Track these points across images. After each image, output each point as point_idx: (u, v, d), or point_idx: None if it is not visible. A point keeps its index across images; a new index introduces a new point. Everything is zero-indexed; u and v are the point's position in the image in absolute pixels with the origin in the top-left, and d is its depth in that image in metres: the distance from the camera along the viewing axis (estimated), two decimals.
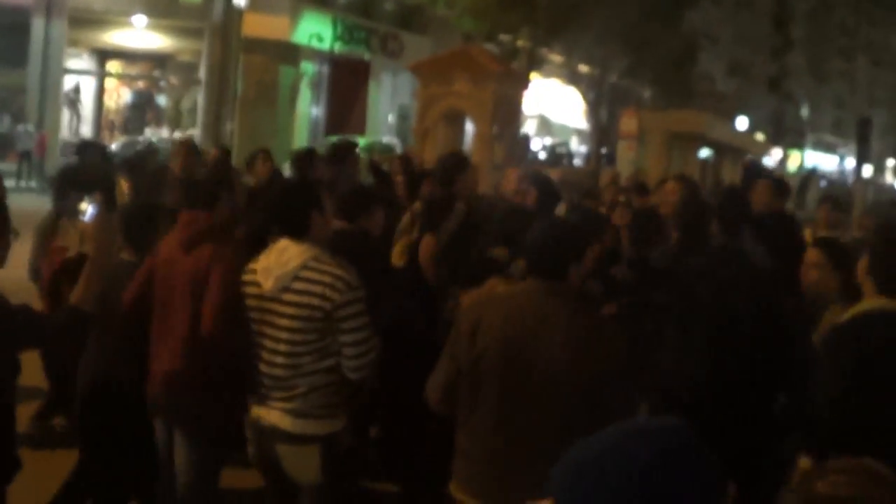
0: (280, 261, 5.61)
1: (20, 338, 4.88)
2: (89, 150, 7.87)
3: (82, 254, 6.42)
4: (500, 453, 4.82)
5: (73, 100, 36.54)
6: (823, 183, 57.33)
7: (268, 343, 5.65)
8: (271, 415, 5.68)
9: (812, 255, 6.80)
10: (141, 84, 37.77)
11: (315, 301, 5.46)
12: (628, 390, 4.87)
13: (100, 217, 5.00)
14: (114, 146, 27.17)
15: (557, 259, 4.93)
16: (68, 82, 34.95)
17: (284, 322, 5.52)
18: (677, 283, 7.31)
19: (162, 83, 37.79)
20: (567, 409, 4.68)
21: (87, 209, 5.17)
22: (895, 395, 5.11)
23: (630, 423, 2.09)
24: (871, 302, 5.32)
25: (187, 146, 12.07)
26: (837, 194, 19.90)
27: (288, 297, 5.53)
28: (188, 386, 6.14)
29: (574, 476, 2.07)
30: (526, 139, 37.82)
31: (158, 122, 36.62)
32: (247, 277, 5.77)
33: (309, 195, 5.84)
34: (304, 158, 11.01)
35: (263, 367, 5.70)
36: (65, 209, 8.33)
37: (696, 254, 7.68)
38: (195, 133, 33.96)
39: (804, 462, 5.25)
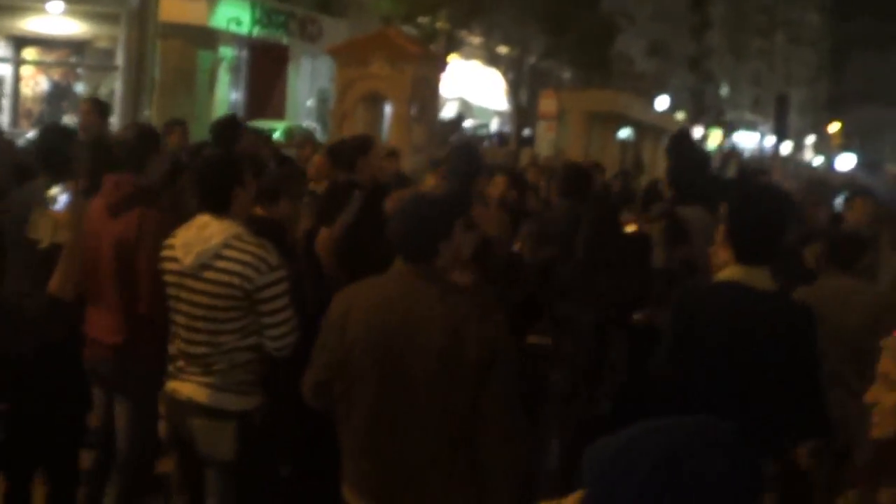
0: (201, 236, 5.56)
1: None
2: (53, 133, 7.68)
3: (55, 245, 6.31)
4: (382, 449, 4.67)
5: None
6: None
7: (183, 320, 5.65)
8: (186, 387, 5.69)
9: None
10: (57, 73, 37.27)
11: (235, 280, 5.46)
12: (511, 374, 4.67)
13: (75, 204, 4.92)
14: (30, 135, 26.83)
15: (423, 239, 4.75)
16: None
17: (204, 300, 5.53)
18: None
19: (79, 70, 37.33)
20: (447, 399, 4.53)
21: (60, 197, 5.04)
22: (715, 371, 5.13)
23: (665, 418, 2.10)
24: (731, 271, 5.24)
25: (91, 104, 11.71)
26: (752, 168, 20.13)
27: (208, 274, 5.52)
28: (132, 358, 6.20)
29: (605, 465, 2.07)
30: (459, 120, 37.74)
31: (76, 110, 36.24)
32: (165, 252, 5.75)
33: (232, 170, 5.81)
34: (228, 128, 10.48)
35: (180, 343, 5.69)
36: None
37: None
38: (113, 120, 33.65)
39: None
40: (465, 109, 41.28)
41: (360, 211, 8.13)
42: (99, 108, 11.24)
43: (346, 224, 8.02)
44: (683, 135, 11.89)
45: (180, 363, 5.73)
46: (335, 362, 4.79)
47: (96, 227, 6.20)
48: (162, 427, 5.91)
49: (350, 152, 8.72)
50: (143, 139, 6.70)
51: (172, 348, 5.76)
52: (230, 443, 5.62)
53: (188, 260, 5.56)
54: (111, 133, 11.06)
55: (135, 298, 6.14)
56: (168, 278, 5.71)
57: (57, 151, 6.86)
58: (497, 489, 4.59)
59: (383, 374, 4.62)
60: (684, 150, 9.40)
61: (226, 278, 5.48)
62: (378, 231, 7.46)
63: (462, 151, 9.25)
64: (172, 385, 5.76)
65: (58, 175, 6.97)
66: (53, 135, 7.52)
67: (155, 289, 5.98)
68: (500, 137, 41.33)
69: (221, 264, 5.49)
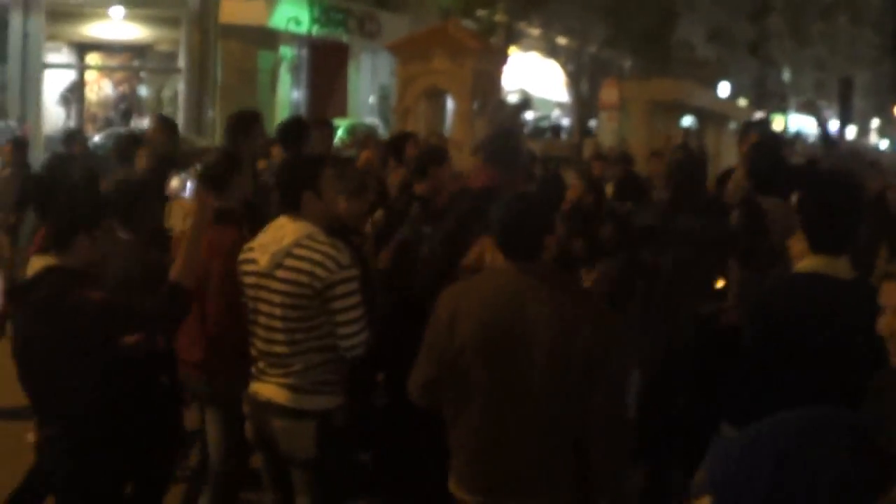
0: (276, 237, 5.66)
1: (115, 327, 4.95)
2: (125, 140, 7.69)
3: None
4: (493, 445, 4.69)
5: (67, 98, 36.46)
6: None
7: (264, 320, 5.72)
8: (267, 389, 5.76)
9: None
10: (120, 77, 37.60)
11: (304, 279, 5.52)
12: (622, 366, 4.73)
13: (198, 193, 4.99)
14: (97, 138, 27.09)
15: (528, 236, 4.74)
16: (54, 78, 34.83)
17: (279, 299, 5.59)
18: (663, 240, 7.29)
19: (142, 74, 37.67)
20: (558, 393, 4.54)
21: (186, 186, 5.18)
22: (800, 364, 5.02)
23: (783, 414, 2.10)
24: (809, 262, 5.16)
25: (159, 121, 11.53)
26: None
27: (281, 273, 5.59)
28: (213, 372, 6.41)
29: (730, 466, 2.07)
30: (523, 105, 37.43)
31: (140, 113, 36.54)
32: (244, 255, 5.85)
33: (301, 172, 5.85)
34: (294, 130, 9.89)
35: (260, 344, 5.76)
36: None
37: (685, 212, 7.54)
38: (177, 122, 33.93)
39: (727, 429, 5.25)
40: (526, 101, 41.13)
41: (418, 225, 7.94)
42: (167, 125, 11.13)
43: (399, 243, 7.84)
44: (762, 123, 11.75)
45: (261, 365, 5.80)
46: (445, 361, 4.79)
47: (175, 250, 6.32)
48: (248, 428, 5.97)
49: (425, 160, 8.52)
50: (226, 161, 6.78)
51: (254, 350, 5.82)
52: (310, 442, 5.67)
53: (264, 261, 5.64)
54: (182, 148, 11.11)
55: (209, 317, 6.28)
56: (247, 280, 5.78)
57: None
58: (603, 488, 4.67)
59: (494, 372, 4.62)
60: (764, 139, 9.24)
61: (296, 276, 5.53)
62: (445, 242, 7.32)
63: (500, 138, 9.02)
64: (254, 387, 5.84)
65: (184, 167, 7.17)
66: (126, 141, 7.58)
67: (225, 307, 6.13)
68: (555, 130, 41.22)
69: (293, 263, 5.55)
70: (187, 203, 5.23)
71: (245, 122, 8.93)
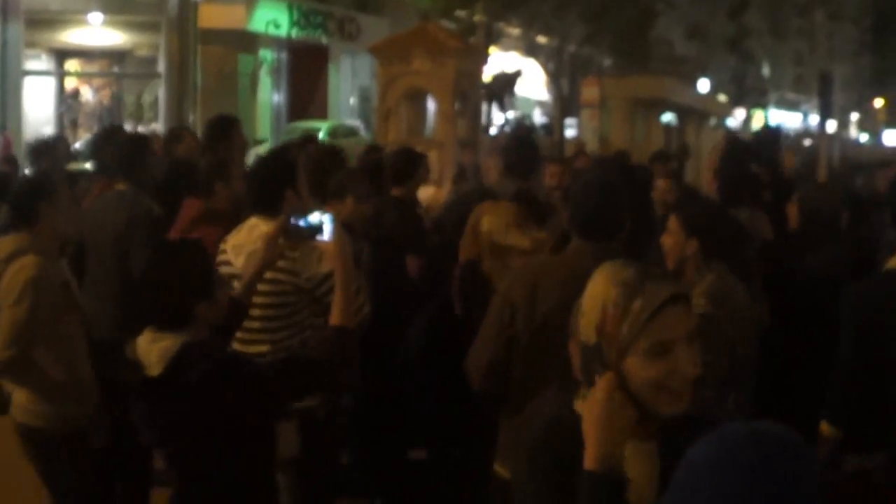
0: (250, 238, 5.62)
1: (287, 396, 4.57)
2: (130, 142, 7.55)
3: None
4: None
5: (70, 104, 36.47)
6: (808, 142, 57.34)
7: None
8: None
9: None
10: (99, 83, 37.54)
11: (283, 277, 5.50)
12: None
13: (339, 232, 4.53)
14: (78, 144, 27.05)
15: (610, 218, 4.79)
16: (30, 84, 34.72)
17: (258, 300, 5.50)
18: None
19: (122, 80, 37.63)
20: None
21: (322, 223, 4.70)
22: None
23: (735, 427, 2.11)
24: None
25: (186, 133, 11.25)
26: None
27: None
28: None
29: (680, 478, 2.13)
30: (515, 76, 36.96)
31: (120, 119, 36.48)
32: (220, 257, 5.79)
33: (284, 171, 5.83)
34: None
35: (238, 344, 5.69)
36: None
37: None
38: (158, 126, 33.88)
39: (825, 428, 5.26)
40: (519, 72, 40.89)
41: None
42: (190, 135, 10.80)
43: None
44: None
45: None
46: (518, 342, 4.75)
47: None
48: None
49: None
50: (214, 166, 6.87)
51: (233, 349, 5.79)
52: (293, 440, 5.61)
53: (239, 262, 5.61)
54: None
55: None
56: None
57: (136, 160, 7.02)
58: None
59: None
60: (730, 152, 9.12)
61: (275, 276, 5.48)
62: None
63: (519, 145, 8.99)
64: None
65: (138, 184, 7.07)
66: (131, 144, 7.53)
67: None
68: (545, 128, 41.26)
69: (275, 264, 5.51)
70: (323, 245, 4.83)
71: (223, 127, 8.92)
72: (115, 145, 7.28)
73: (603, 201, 4.76)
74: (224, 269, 5.68)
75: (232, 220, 6.44)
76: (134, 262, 6.61)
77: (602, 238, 4.72)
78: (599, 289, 2.88)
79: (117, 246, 6.86)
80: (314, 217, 4.51)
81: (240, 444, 4.19)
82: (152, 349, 4.08)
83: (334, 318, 4.42)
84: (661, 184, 9.54)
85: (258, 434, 4.32)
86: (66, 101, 36.01)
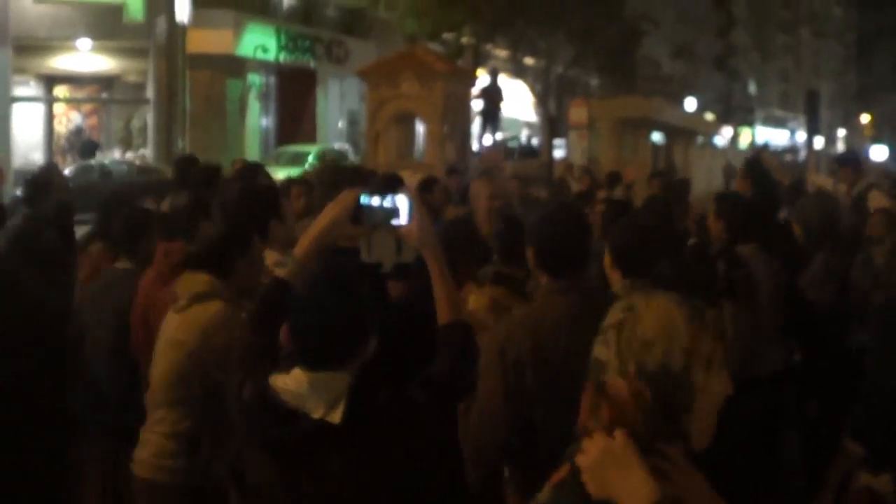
0: None
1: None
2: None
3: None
4: None
5: (81, 128, 36.56)
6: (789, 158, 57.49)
7: None
8: None
9: None
10: (88, 108, 37.58)
11: None
12: None
13: (421, 211, 4.00)
14: (67, 171, 27.03)
15: (650, 254, 4.70)
16: (19, 110, 34.74)
17: None
18: None
19: (110, 106, 37.67)
20: None
21: (401, 208, 4.06)
22: None
23: None
24: None
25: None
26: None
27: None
28: None
29: None
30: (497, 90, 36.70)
31: (109, 144, 36.51)
32: None
33: (266, 202, 5.80)
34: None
35: None
36: None
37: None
38: (147, 152, 33.92)
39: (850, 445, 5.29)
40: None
41: None
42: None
43: None
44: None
45: None
46: (524, 402, 4.40)
47: (148, 298, 6.22)
48: None
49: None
50: (194, 207, 6.64)
51: None
52: None
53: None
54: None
55: None
56: None
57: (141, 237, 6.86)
58: None
59: None
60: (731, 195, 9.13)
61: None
62: None
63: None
64: None
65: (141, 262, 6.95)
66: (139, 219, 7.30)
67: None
68: (522, 150, 41.37)
69: None
70: (401, 229, 4.11)
71: (208, 175, 9.04)
72: (123, 220, 7.02)
73: (643, 239, 4.68)
74: None
75: None
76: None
77: (641, 274, 4.59)
78: (664, 321, 2.69)
79: (119, 326, 6.66)
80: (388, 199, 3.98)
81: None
82: (315, 391, 3.60)
83: (442, 314, 4.00)
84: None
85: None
86: (69, 139, 36.01)
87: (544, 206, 6.58)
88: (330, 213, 4.12)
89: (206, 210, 6.56)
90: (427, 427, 3.77)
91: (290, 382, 3.61)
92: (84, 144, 31.47)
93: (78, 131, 36.44)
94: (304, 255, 4.13)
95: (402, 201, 3.95)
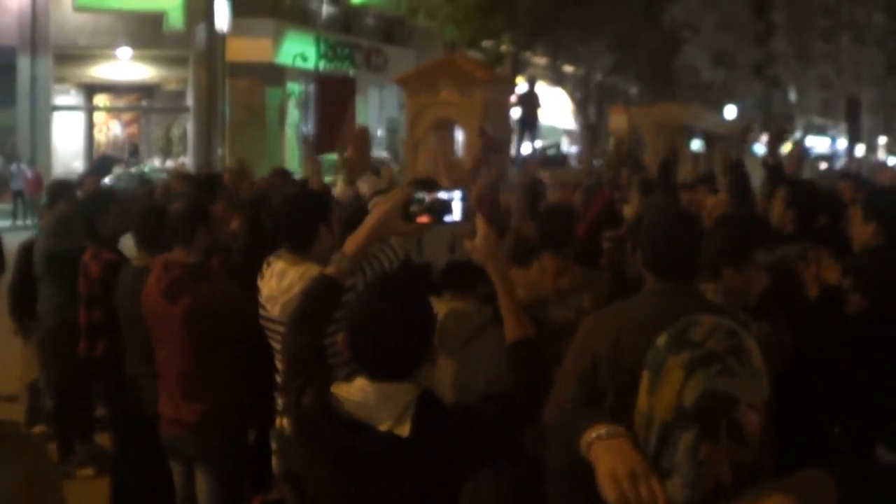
0: (281, 287, 5.45)
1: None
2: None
3: None
4: None
5: (135, 145, 36.90)
6: (824, 165, 57.09)
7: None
8: None
9: None
10: (128, 116, 37.76)
11: (392, 261, 5.38)
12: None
13: (482, 223, 3.86)
14: (107, 180, 27.15)
15: (685, 256, 4.54)
16: (59, 119, 34.98)
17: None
18: None
19: (150, 114, 37.85)
20: None
21: (451, 201, 3.92)
22: None
23: None
24: None
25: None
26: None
27: None
28: (210, 431, 6.16)
29: None
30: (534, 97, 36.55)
31: (149, 153, 36.71)
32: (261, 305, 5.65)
33: (317, 208, 5.67)
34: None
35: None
36: None
37: None
38: (186, 160, 34.03)
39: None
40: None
41: None
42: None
43: None
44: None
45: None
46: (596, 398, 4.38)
47: (154, 309, 6.23)
48: (275, 463, 5.89)
49: None
50: (193, 210, 6.51)
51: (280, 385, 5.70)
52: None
53: (275, 312, 5.44)
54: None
55: (205, 375, 6.16)
56: (265, 323, 5.65)
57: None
58: None
59: None
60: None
61: (383, 259, 5.34)
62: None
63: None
64: (282, 421, 5.71)
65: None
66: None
67: (229, 355, 6.14)
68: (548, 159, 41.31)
69: None
70: (458, 228, 3.87)
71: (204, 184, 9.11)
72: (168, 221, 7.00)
73: (681, 238, 4.54)
74: (263, 314, 5.63)
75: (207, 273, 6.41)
76: None
77: (684, 277, 4.50)
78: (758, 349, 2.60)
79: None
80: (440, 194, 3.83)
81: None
82: (382, 403, 3.49)
83: (510, 331, 3.90)
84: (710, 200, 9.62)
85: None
86: (126, 160, 36.20)
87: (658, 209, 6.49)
88: (381, 209, 4.06)
89: (205, 215, 6.50)
90: (494, 442, 3.65)
91: (355, 392, 3.53)
92: (98, 161, 31.43)
93: (133, 151, 36.72)
94: (355, 253, 4.12)
95: (455, 198, 3.83)
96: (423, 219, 4.06)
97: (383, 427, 3.44)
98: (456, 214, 3.83)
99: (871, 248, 6.52)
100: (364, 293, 3.69)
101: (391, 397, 3.48)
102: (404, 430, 3.41)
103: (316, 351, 3.89)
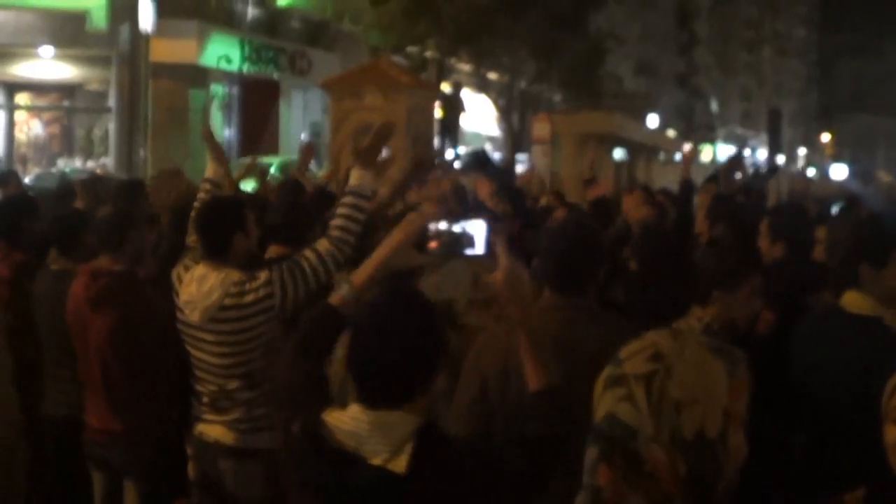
0: (201, 292, 5.46)
1: None
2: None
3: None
4: None
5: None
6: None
7: (205, 365, 5.58)
8: (213, 429, 5.63)
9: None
10: (49, 116, 37.36)
11: (247, 324, 5.40)
12: None
13: (506, 258, 3.54)
14: (27, 179, 26.86)
15: (582, 270, 4.44)
16: None
17: (217, 349, 5.47)
18: None
19: (72, 114, 37.45)
20: None
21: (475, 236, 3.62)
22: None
23: None
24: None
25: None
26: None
27: (215, 326, 5.45)
28: (140, 444, 6.11)
29: None
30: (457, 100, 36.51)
31: (70, 153, 36.30)
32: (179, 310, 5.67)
33: (231, 215, 5.70)
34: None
35: (201, 387, 5.65)
36: None
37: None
38: (108, 161, 33.73)
39: None
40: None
41: None
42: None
43: None
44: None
45: (204, 405, 5.69)
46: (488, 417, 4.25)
47: (80, 317, 6.15)
48: (191, 469, 5.88)
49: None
50: (123, 216, 6.49)
51: (198, 391, 5.70)
52: (260, 481, 5.49)
53: (195, 317, 5.47)
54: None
55: (135, 386, 6.11)
56: (182, 328, 5.66)
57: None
58: None
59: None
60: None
61: (238, 326, 5.40)
62: None
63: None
64: (199, 427, 5.70)
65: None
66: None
67: (151, 371, 6.10)
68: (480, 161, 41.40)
69: (225, 315, 5.41)
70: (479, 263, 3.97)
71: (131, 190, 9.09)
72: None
73: (574, 253, 4.41)
74: (179, 317, 5.63)
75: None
76: None
77: (576, 292, 4.40)
78: (703, 377, 2.45)
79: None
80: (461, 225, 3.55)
81: None
82: (375, 433, 3.15)
83: (532, 381, 3.51)
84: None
85: None
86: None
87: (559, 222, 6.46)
88: (394, 238, 3.87)
89: (135, 222, 6.47)
90: (500, 487, 3.22)
91: (347, 420, 3.19)
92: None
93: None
94: (362, 283, 3.91)
95: (477, 228, 3.56)
96: (432, 244, 3.79)
97: (376, 461, 3.12)
98: (480, 247, 3.57)
99: (777, 261, 6.63)
100: (367, 308, 3.39)
101: (386, 427, 3.15)
102: (399, 466, 3.09)
103: (315, 379, 3.61)
